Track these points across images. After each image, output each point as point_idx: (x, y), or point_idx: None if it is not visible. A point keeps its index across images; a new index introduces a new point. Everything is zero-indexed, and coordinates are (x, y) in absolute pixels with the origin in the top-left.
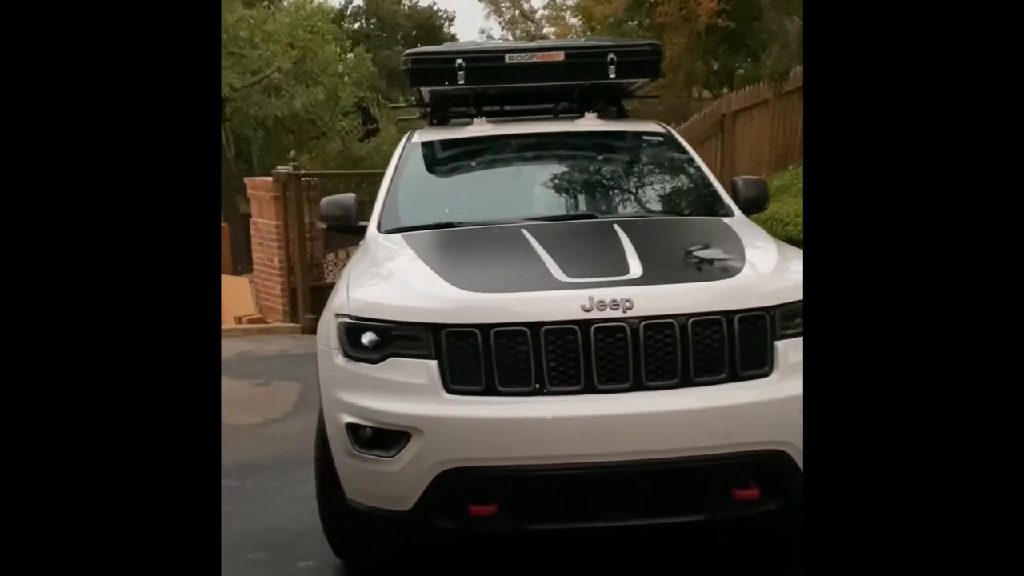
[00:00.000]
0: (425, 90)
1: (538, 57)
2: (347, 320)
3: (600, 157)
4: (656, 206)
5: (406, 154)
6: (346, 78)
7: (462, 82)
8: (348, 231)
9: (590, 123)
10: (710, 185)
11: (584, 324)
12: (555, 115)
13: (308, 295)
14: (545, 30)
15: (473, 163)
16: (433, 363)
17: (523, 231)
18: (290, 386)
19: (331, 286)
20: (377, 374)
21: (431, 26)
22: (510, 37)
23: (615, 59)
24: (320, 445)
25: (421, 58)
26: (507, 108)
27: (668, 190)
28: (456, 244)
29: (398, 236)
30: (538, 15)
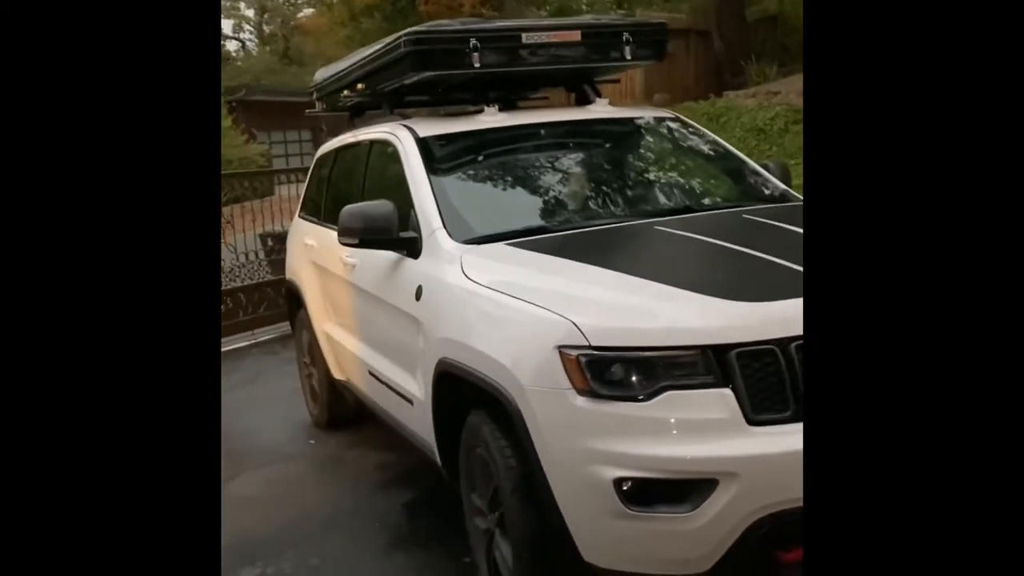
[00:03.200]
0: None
1: (554, 37)
2: (588, 353)
3: (640, 146)
4: (736, 194)
5: (424, 152)
6: None
7: (477, 65)
8: (388, 246)
9: (604, 110)
10: (754, 168)
11: None
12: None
13: None
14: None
15: (518, 158)
16: (727, 391)
17: (666, 229)
18: None
19: None
20: (651, 413)
21: None
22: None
23: (630, 39)
24: (522, 508)
25: (426, 39)
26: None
27: (737, 176)
28: (610, 249)
29: (501, 246)
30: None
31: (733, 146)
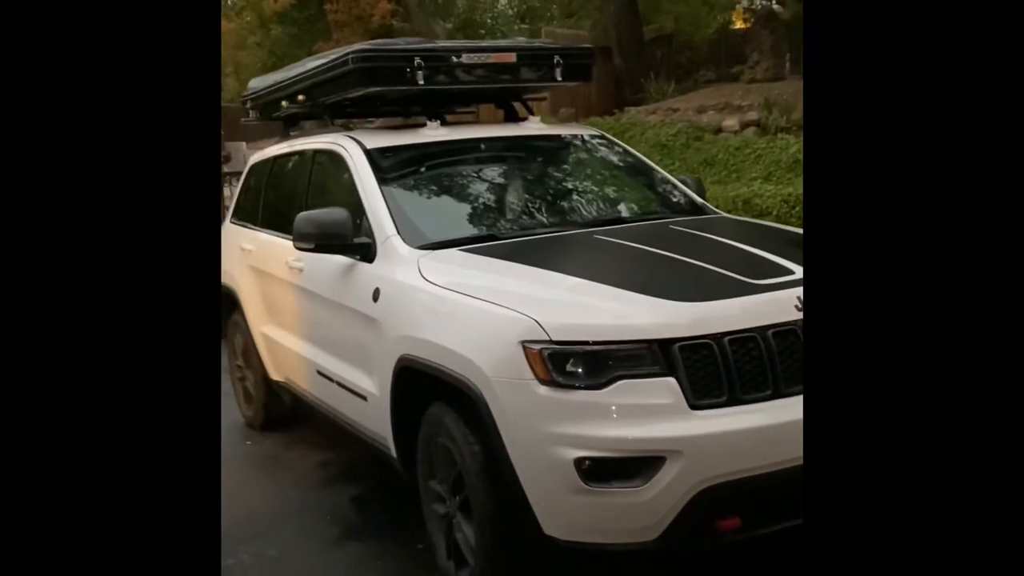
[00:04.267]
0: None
1: (493, 58)
2: (549, 346)
3: (574, 160)
4: (661, 206)
5: (372, 163)
6: None
7: (422, 82)
8: (343, 251)
9: (537, 127)
10: (673, 183)
11: (797, 324)
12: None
13: None
14: None
15: (462, 170)
16: (672, 380)
17: (605, 238)
18: None
19: None
20: (606, 400)
21: None
22: None
23: (561, 62)
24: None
25: (372, 56)
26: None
27: (660, 189)
28: (558, 255)
29: (454, 252)
30: None
31: None
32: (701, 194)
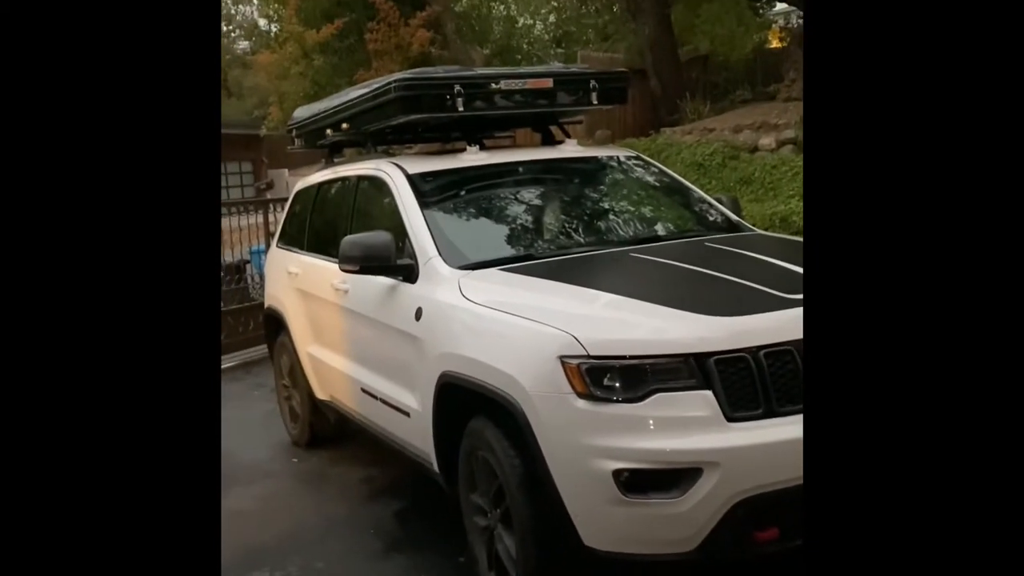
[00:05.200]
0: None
1: (529, 84)
2: (587, 361)
3: (610, 181)
4: (696, 224)
5: (414, 187)
6: None
7: (461, 108)
8: (387, 272)
9: (573, 149)
10: (709, 201)
11: None
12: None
13: None
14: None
15: (501, 193)
16: (708, 393)
17: (641, 256)
18: None
19: None
20: (644, 412)
21: None
22: None
23: (597, 86)
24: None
25: (413, 85)
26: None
27: (695, 208)
28: (595, 273)
29: (494, 271)
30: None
31: None
32: (736, 212)
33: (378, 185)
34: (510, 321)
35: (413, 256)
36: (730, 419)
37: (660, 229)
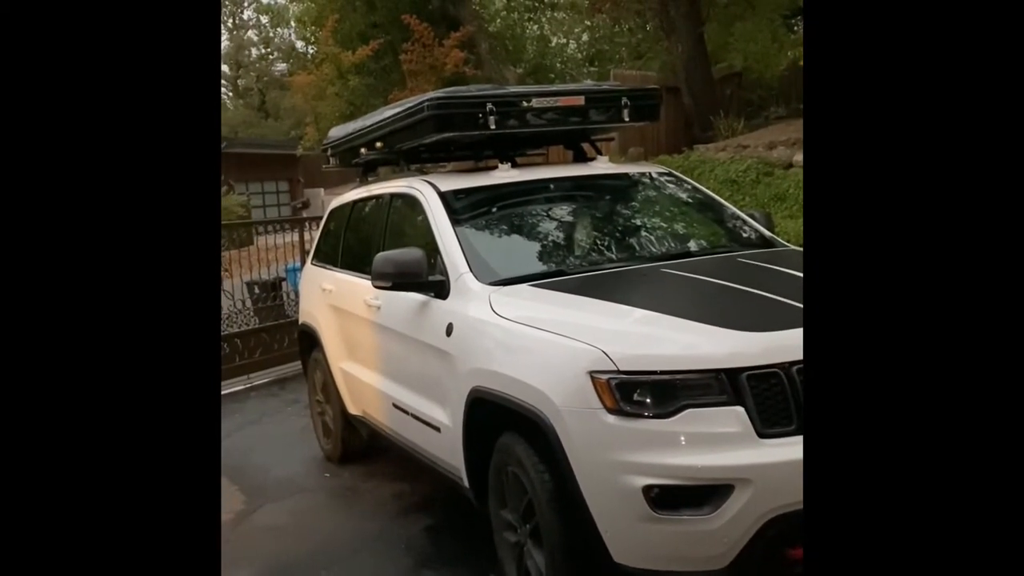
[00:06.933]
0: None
1: (561, 101)
2: (617, 376)
3: (641, 197)
4: (728, 240)
5: (446, 205)
6: None
7: (493, 127)
8: (419, 289)
9: (605, 166)
10: (742, 217)
11: None
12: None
13: None
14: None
15: (532, 209)
16: (740, 409)
17: (672, 271)
18: None
19: None
20: (674, 428)
21: None
22: None
23: (628, 103)
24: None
25: (446, 104)
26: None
27: (727, 223)
28: (625, 288)
29: (525, 287)
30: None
31: None
32: (770, 227)
33: (411, 203)
34: (540, 336)
35: (444, 272)
36: (762, 435)
37: (692, 245)
